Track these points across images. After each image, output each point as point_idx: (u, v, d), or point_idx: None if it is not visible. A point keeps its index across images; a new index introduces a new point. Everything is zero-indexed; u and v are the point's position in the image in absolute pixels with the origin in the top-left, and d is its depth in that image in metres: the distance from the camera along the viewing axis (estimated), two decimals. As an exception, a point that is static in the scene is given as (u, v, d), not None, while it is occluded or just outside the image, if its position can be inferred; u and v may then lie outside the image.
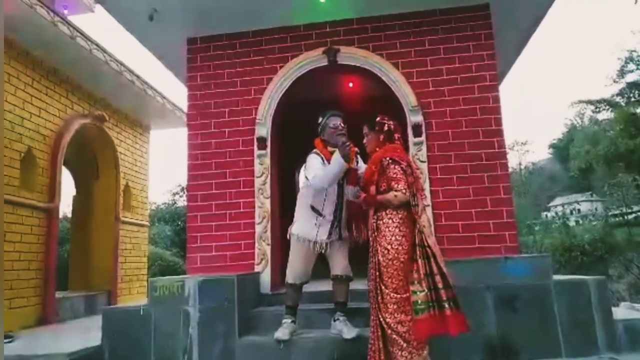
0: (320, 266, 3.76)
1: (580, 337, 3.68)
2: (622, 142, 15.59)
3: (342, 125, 3.68)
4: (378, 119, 3.30)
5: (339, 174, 3.40)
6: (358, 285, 3.74)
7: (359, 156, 3.69)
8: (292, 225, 3.75)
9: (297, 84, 5.09)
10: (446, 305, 2.81)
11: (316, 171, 3.48)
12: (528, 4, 4.91)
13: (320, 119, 3.77)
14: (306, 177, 3.66)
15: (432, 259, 2.89)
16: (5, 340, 3.94)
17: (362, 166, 3.60)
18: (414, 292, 2.86)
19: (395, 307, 2.92)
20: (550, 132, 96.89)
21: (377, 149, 3.26)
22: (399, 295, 2.92)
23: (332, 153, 3.56)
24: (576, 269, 14.05)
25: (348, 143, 3.29)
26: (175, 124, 8.93)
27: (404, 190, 2.99)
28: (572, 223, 26.94)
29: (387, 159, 3.10)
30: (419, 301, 2.83)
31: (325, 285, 3.97)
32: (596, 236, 15.44)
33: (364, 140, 3.38)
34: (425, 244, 2.92)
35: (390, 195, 3.02)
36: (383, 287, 2.97)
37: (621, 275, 14.19)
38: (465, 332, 2.83)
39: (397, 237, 2.98)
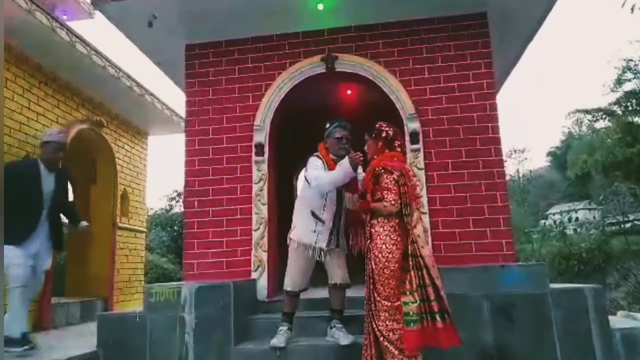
0: (316, 273, 3.75)
1: (577, 346, 3.66)
2: (619, 150, 15.65)
3: (347, 137, 3.67)
4: (377, 125, 3.30)
5: (344, 181, 3.43)
6: (353, 292, 3.74)
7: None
8: (290, 231, 3.74)
9: (295, 90, 5.10)
10: (437, 318, 2.80)
11: (319, 173, 3.48)
12: (525, 13, 4.95)
13: (328, 126, 3.76)
14: (305, 179, 3.65)
15: (424, 270, 2.87)
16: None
17: (361, 174, 3.62)
18: (406, 303, 2.85)
19: (387, 314, 2.92)
20: (548, 140, 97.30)
21: (375, 156, 3.27)
22: (390, 303, 2.92)
23: (334, 161, 3.58)
24: (574, 277, 14.06)
25: (359, 155, 3.31)
26: (173, 130, 8.93)
27: (392, 201, 2.99)
28: (569, 231, 26.95)
29: (380, 168, 3.11)
30: (411, 312, 2.81)
31: (321, 293, 3.96)
32: (593, 245, 15.47)
33: (365, 147, 3.39)
34: (418, 254, 2.90)
35: (380, 205, 3.04)
36: (376, 295, 2.97)
37: (619, 284, 14.19)
38: (458, 346, 2.82)
39: (387, 245, 2.98)
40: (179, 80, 5.90)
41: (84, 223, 4.48)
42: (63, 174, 4.35)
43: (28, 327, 3.94)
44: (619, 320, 4.44)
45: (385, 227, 3.03)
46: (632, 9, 4.79)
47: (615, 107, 19.02)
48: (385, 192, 3.03)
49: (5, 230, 3.59)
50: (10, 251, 3.72)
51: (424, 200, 4.54)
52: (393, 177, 3.05)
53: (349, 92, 6.45)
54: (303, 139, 4.72)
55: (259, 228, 4.77)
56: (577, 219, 39.35)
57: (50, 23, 5.39)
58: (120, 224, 7.69)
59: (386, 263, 2.95)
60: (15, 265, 3.84)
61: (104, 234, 7.45)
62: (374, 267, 3.00)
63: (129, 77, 6.98)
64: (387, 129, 3.26)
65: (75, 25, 6.92)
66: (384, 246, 2.99)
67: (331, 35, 5.11)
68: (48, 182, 4.11)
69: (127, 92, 7.07)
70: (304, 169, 3.79)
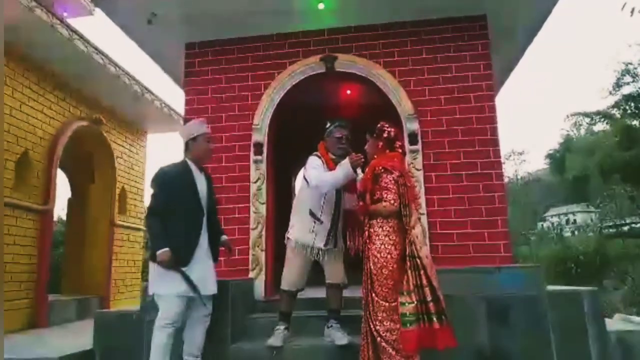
0: (313, 273, 3.75)
1: (573, 349, 3.67)
2: (617, 154, 15.69)
3: (347, 137, 3.68)
4: (379, 125, 3.30)
5: (344, 182, 3.42)
6: (350, 292, 3.74)
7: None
8: (288, 230, 3.73)
9: (294, 90, 5.10)
10: (434, 319, 2.80)
11: (319, 173, 3.48)
12: (524, 16, 4.96)
13: (328, 125, 3.76)
14: (304, 178, 3.65)
15: (422, 271, 2.88)
16: None
17: (360, 175, 3.61)
18: (403, 304, 2.85)
19: (384, 315, 2.92)
20: (547, 142, 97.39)
21: (375, 156, 3.27)
22: (388, 304, 2.92)
23: (333, 160, 3.58)
24: (571, 279, 14.06)
25: (360, 156, 3.31)
26: (172, 128, 8.92)
27: (392, 201, 3.00)
28: (567, 234, 26.97)
29: (380, 167, 3.11)
30: (408, 313, 2.82)
31: (319, 292, 3.96)
32: (590, 247, 15.46)
33: (365, 147, 3.39)
34: (416, 255, 2.91)
35: (380, 205, 3.04)
36: (373, 295, 2.97)
37: (616, 287, 14.20)
38: (453, 347, 2.82)
39: (386, 245, 2.99)
40: (178, 78, 5.90)
41: (225, 237, 3.70)
42: (208, 172, 3.60)
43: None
44: (615, 323, 4.45)
45: (384, 228, 3.03)
46: (632, 12, 4.79)
47: (613, 110, 19.05)
48: (385, 191, 3.03)
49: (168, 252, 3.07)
50: (166, 278, 3.09)
51: (422, 201, 4.54)
52: (392, 177, 3.05)
53: (348, 92, 6.45)
54: (302, 138, 4.71)
55: (256, 227, 4.77)
56: (574, 221, 39.38)
57: (50, 20, 5.38)
58: (118, 222, 7.69)
59: (384, 263, 2.95)
60: (164, 298, 3.13)
61: (102, 231, 7.46)
62: (372, 267, 3.00)
63: (128, 74, 6.97)
64: (388, 129, 3.26)
65: (75, 22, 6.89)
66: (382, 247, 2.99)
67: (331, 36, 5.11)
68: (201, 183, 3.39)
69: (126, 89, 7.07)
70: (303, 169, 3.79)
